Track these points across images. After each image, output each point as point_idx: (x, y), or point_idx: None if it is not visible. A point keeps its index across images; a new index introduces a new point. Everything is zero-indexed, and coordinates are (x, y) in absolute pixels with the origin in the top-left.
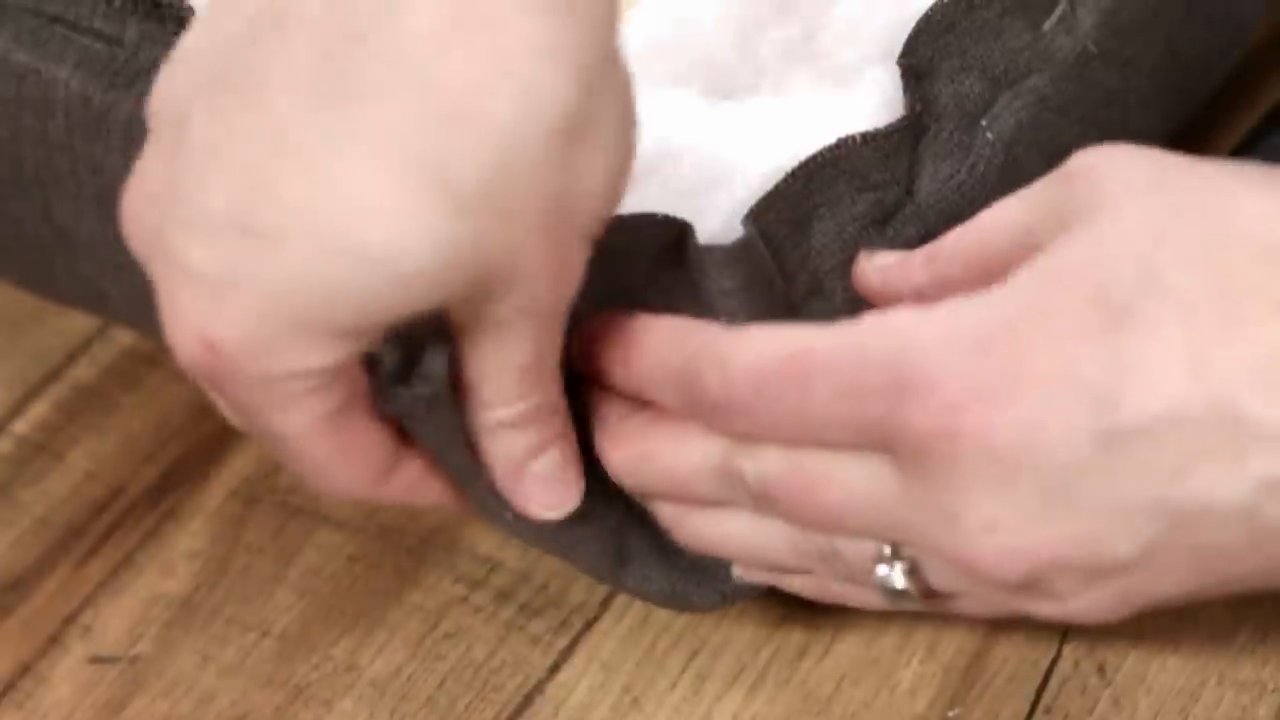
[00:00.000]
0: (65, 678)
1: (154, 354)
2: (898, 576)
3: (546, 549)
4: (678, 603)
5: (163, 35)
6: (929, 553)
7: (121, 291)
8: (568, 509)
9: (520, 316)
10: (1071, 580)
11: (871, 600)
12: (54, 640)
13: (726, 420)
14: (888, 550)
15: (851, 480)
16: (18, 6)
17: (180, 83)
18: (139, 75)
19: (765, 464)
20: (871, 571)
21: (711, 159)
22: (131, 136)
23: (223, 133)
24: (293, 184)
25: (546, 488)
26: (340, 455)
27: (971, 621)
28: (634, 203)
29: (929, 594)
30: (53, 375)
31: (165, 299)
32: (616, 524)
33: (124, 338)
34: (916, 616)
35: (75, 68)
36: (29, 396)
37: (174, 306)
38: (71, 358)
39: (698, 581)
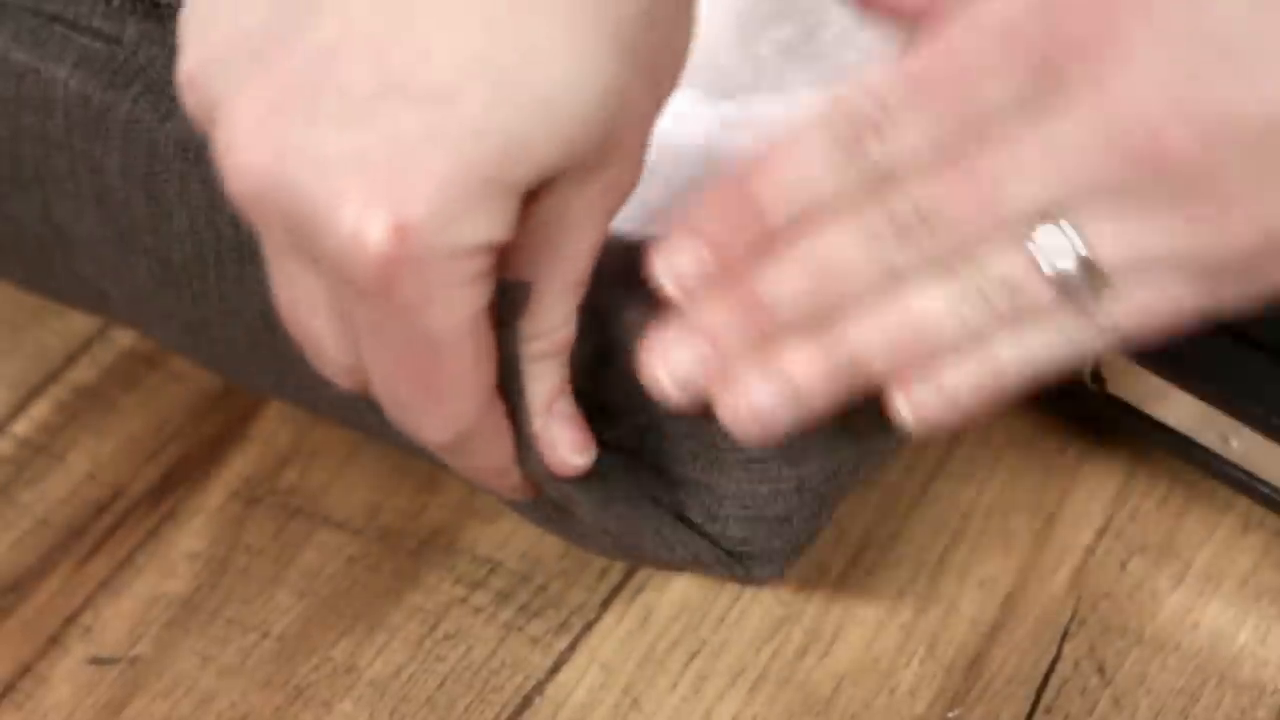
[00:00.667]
0: (65, 678)
1: (154, 355)
2: (1062, 244)
3: (561, 527)
4: (700, 568)
5: (161, 34)
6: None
7: (121, 291)
8: (592, 451)
9: (601, 202)
10: (1241, 150)
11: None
12: (54, 641)
13: (882, 130)
14: (1049, 214)
15: (1014, 131)
16: (17, 5)
17: (242, 19)
18: (138, 74)
19: (915, 152)
20: (1022, 250)
21: (712, 158)
22: (130, 135)
23: (359, 14)
24: (459, 39)
25: (572, 426)
26: (477, 363)
27: (973, 621)
28: (635, 200)
29: (1093, 270)
30: (52, 376)
31: (329, 211)
32: (638, 488)
33: (124, 339)
34: (916, 616)
35: (74, 67)
36: (29, 397)
37: (345, 211)
38: (71, 359)
39: (724, 548)
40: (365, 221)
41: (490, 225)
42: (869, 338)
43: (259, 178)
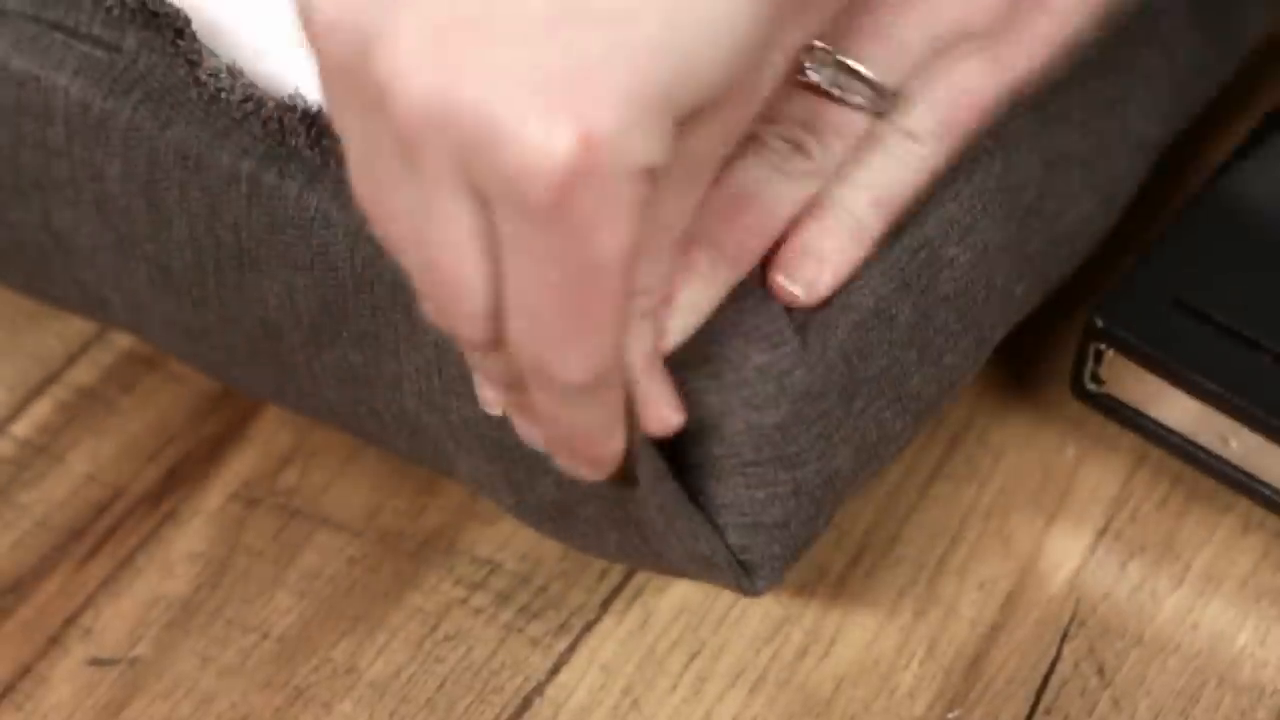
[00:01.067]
0: (65, 679)
1: (153, 356)
2: (831, 65)
3: (561, 528)
4: (705, 571)
5: (161, 43)
6: None
7: (122, 298)
8: (684, 411)
9: (720, 140)
10: None
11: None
12: (54, 642)
13: None
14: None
15: None
16: (17, 13)
17: None
18: (138, 82)
19: None
20: (805, 90)
21: None
22: (130, 143)
23: None
24: None
25: (668, 383)
26: (626, 296)
27: (972, 623)
28: None
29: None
30: (52, 377)
31: (512, 124)
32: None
33: (123, 340)
34: (916, 618)
35: (74, 74)
36: (29, 398)
37: (530, 123)
38: (71, 360)
39: (742, 559)
40: (551, 133)
41: (660, 147)
42: (730, 236)
43: (430, 100)
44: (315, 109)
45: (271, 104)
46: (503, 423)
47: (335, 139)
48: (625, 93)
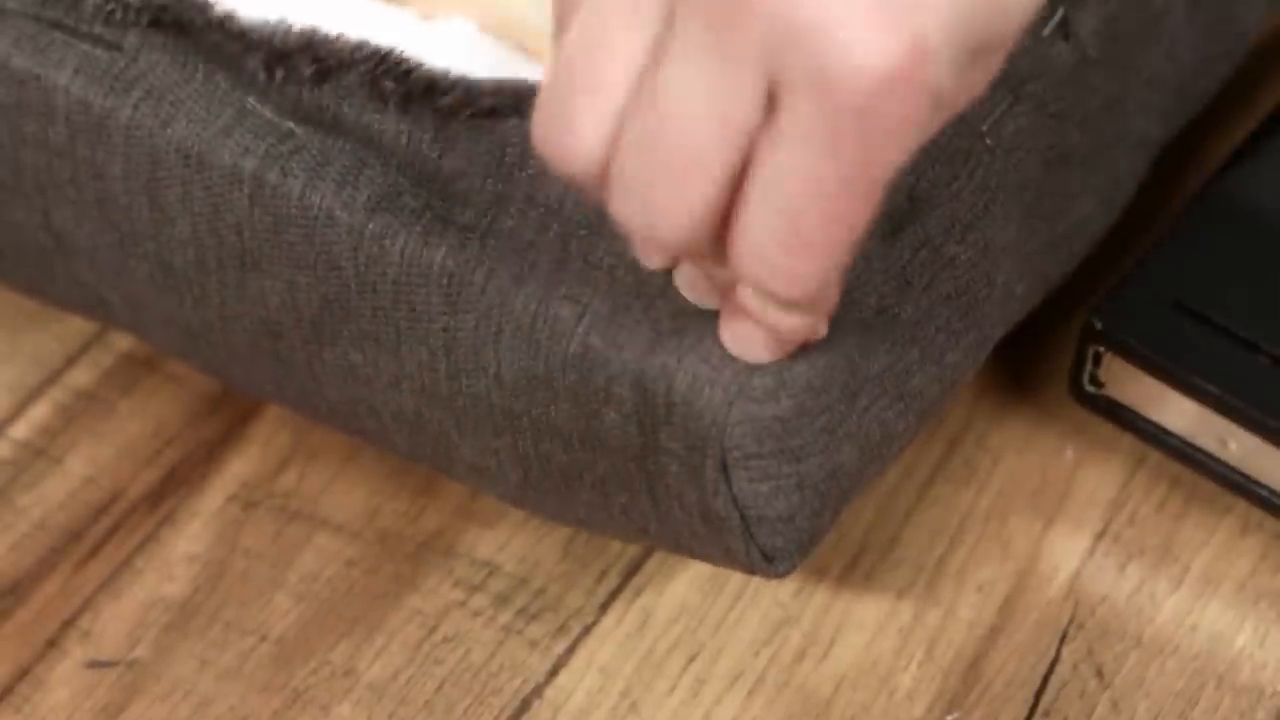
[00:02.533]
0: (63, 682)
1: (152, 358)
2: None
3: (575, 503)
4: (728, 535)
5: (162, 42)
6: None
7: (122, 297)
8: None
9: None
10: None
11: None
12: (52, 644)
13: None
14: None
15: None
16: (17, 12)
17: None
18: (138, 80)
19: None
20: None
21: None
22: (132, 141)
23: None
24: None
25: None
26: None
27: (971, 624)
28: None
29: None
30: (51, 379)
31: (840, 27)
32: None
33: (122, 342)
34: (915, 620)
35: (75, 73)
36: (27, 400)
37: (865, 26)
38: (70, 362)
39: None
40: (884, 36)
41: (952, 76)
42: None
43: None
44: (386, 49)
45: (340, 41)
46: (509, 389)
47: (407, 86)
48: (949, 17)
